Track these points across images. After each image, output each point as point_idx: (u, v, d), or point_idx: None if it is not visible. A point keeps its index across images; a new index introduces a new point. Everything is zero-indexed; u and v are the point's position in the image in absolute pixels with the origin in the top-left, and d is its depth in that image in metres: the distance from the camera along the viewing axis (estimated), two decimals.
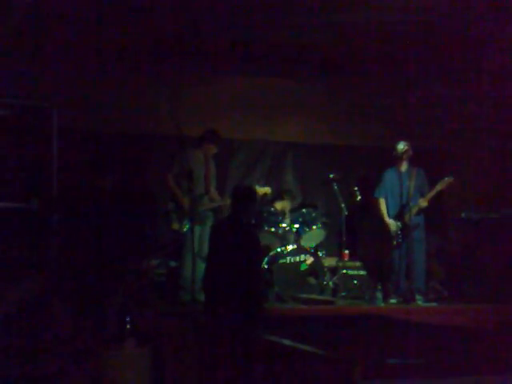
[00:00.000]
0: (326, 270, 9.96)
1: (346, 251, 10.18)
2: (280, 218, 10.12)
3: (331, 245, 10.88)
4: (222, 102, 11.17)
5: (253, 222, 9.26)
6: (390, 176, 9.85)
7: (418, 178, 9.66)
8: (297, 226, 10.15)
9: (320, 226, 10.22)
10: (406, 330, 6.21)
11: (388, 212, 9.81)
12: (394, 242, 9.65)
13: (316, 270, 9.76)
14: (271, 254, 9.66)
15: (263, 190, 9.45)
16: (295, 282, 9.60)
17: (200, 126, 9.78)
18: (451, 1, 8.71)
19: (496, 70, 10.44)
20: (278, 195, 10.52)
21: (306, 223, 10.19)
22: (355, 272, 10.08)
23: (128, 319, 6.53)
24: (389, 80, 11.31)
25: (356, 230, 11.00)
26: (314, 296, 9.46)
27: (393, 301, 9.52)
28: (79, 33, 9.34)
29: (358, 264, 10.31)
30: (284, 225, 10.08)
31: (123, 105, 10.54)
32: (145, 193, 10.45)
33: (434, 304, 9.45)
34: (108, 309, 7.27)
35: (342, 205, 10.07)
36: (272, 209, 10.12)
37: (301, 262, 9.68)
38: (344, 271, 9.99)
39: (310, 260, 9.73)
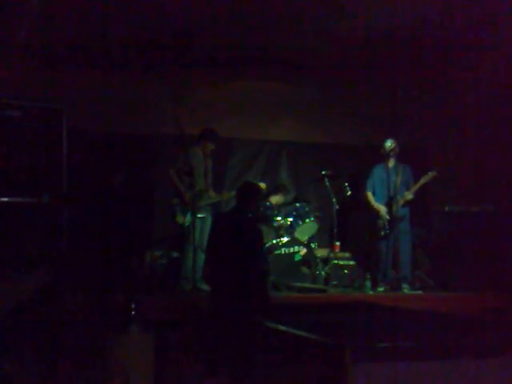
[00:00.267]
0: (318, 260, 9.97)
1: (337, 243, 10.18)
2: (275, 211, 10.11)
3: (323, 237, 10.87)
4: (222, 103, 11.18)
5: (256, 216, 9.21)
6: (378, 171, 9.85)
7: (404, 173, 9.66)
8: (291, 219, 10.13)
9: (313, 219, 10.21)
10: (394, 316, 6.19)
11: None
12: (382, 233, 9.64)
13: (309, 260, 9.76)
14: (267, 245, 9.64)
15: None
16: (289, 271, 9.59)
17: (200, 126, 9.75)
18: (436, 7, 8.68)
19: (479, 71, 10.43)
20: (272, 190, 10.50)
21: (300, 217, 10.18)
22: (345, 262, 10.09)
23: (133, 306, 6.49)
24: (378, 82, 11.30)
25: (346, 223, 10.97)
26: (307, 285, 9.46)
27: (381, 289, 9.51)
28: (88, 35, 9.30)
29: (348, 255, 10.32)
30: (279, 218, 10.06)
31: (129, 106, 10.51)
32: (150, 189, 10.42)
33: (419, 292, 9.44)
34: (115, 297, 7.25)
35: (334, 199, 10.07)
36: (267, 203, 10.10)
37: (295, 253, 9.67)
38: (335, 261, 10.00)
39: (303, 251, 9.73)
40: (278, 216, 10.08)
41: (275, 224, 10.02)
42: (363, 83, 11.34)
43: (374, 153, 9.94)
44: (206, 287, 8.73)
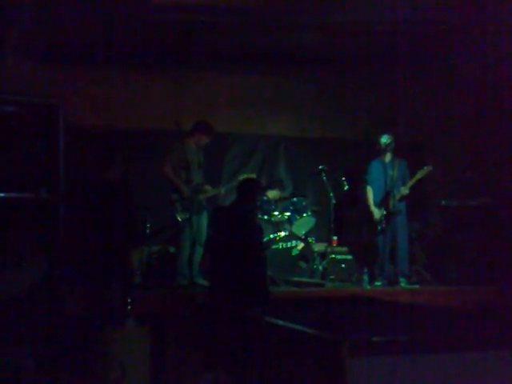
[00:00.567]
0: (315, 254, 9.98)
1: (335, 237, 10.20)
2: (273, 206, 10.10)
3: (320, 231, 10.86)
4: (219, 98, 11.17)
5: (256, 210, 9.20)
6: (375, 166, 9.85)
7: (401, 168, 9.66)
8: (288, 213, 10.13)
9: (310, 213, 10.20)
10: (391, 310, 6.19)
11: (373, 199, 9.79)
12: (379, 228, 9.64)
13: (306, 254, 9.77)
14: (265, 240, 9.63)
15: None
16: (287, 266, 9.60)
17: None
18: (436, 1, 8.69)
19: (475, 64, 10.43)
20: (270, 185, 10.49)
21: (297, 211, 10.17)
22: (343, 257, 10.07)
23: (129, 301, 6.50)
24: (375, 77, 11.28)
25: (343, 218, 10.97)
26: (304, 279, 9.47)
27: (378, 283, 9.52)
28: (85, 31, 9.27)
29: (345, 249, 10.31)
30: (276, 213, 10.05)
31: (127, 101, 10.51)
32: (147, 184, 10.40)
33: (416, 286, 9.44)
34: (111, 291, 7.25)
35: (331, 194, 10.10)
36: (265, 198, 10.09)
37: (292, 248, 9.67)
38: (332, 256, 9.99)
39: (300, 246, 9.73)
40: (275, 211, 10.08)
41: (272, 219, 10.02)
42: (361, 78, 11.34)
43: (372, 147, 9.93)
44: (203, 282, 8.73)
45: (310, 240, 10.14)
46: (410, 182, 9.60)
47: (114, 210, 8.28)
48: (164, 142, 10.07)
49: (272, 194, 10.28)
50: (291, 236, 9.77)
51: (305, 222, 10.24)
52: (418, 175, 9.59)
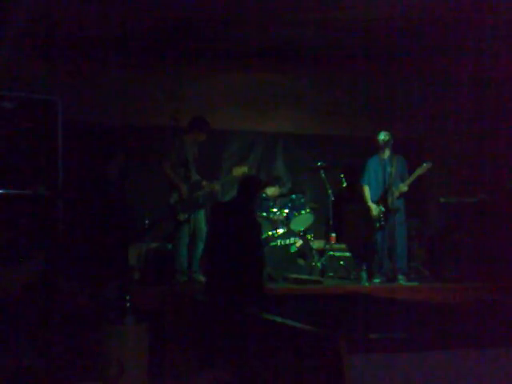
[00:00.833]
0: (314, 252, 9.98)
1: (333, 234, 10.23)
2: (271, 203, 10.11)
3: (319, 228, 10.86)
4: (217, 95, 11.16)
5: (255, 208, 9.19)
6: (373, 163, 9.83)
7: (399, 164, 9.64)
8: (287, 210, 10.14)
9: (308, 210, 10.20)
10: (389, 307, 6.20)
11: (371, 196, 9.78)
12: (377, 225, 9.64)
13: (305, 251, 9.77)
14: (263, 237, 9.63)
15: (241, 169, 9.32)
16: (285, 263, 9.59)
17: None
18: None
19: (473, 61, 10.42)
20: (268, 182, 10.49)
21: (296, 208, 10.18)
22: (341, 254, 10.09)
23: (128, 298, 6.50)
24: (374, 73, 11.28)
25: (342, 215, 10.98)
26: (303, 276, 9.45)
27: (376, 280, 9.51)
28: (83, 27, 9.27)
29: (343, 246, 10.32)
30: (275, 210, 10.06)
31: (124, 97, 10.49)
32: (145, 181, 10.40)
33: (415, 283, 9.43)
34: (110, 288, 7.25)
35: (329, 191, 10.12)
36: (263, 194, 10.09)
37: (291, 245, 9.67)
38: (331, 253, 10.01)
39: (299, 243, 9.73)
40: (273, 207, 10.09)
41: (271, 216, 10.02)
42: (359, 74, 11.33)
43: (370, 144, 9.92)
44: (202, 278, 8.72)
45: (308, 237, 10.14)
46: (410, 179, 9.59)
47: (112, 207, 8.29)
48: (162, 139, 10.07)
49: (271, 190, 10.28)
50: (290, 233, 9.77)
51: (303, 219, 10.24)
52: (418, 172, 9.58)
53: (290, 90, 11.52)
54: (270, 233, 9.72)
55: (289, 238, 9.70)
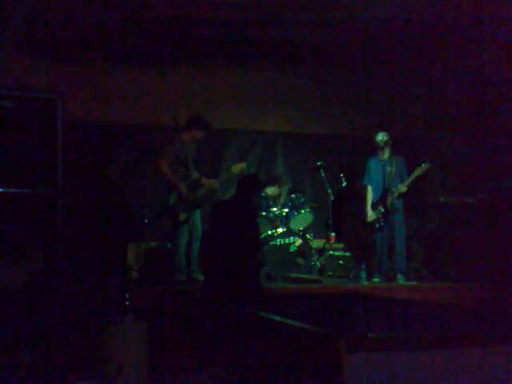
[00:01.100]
0: (313, 251, 9.99)
1: (333, 234, 10.24)
2: (271, 202, 10.11)
3: (318, 228, 10.87)
4: (217, 94, 11.16)
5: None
6: (372, 163, 9.85)
7: (398, 165, 9.65)
8: (286, 210, 10.15)
9: (308, 210, 10.22)
10: (388, 306, 6.20)
11: (372, 196, 9.80)
12: (376, 225, 9.66)
13: (304, 251, 9.78)
14: (262, 236, 9.65)
15: (239, 166, 9.32)
16: (285, 262, 9.61)
17: None
18: None
19: (472, 60, 10.43)
20: (268, 181, 10.50)
21: (295, 207, 10.20)
22: (341, 253, 10.11)
23: (127, 296, 6.51)
24: (373, 73, 11.28)
25: (341, 214, 10.99)
26: (302, 275, 9.46)
27: (376, 280, 9.53)
28: (82, 26, 9.26)
29: (343, 246, 10.34)
30: (274, 209, 10.07)
31: (124, 96, 10.50)
32: (145, 179, 10.40)
33: (414, 283, 9.45)
34: (109, 287, 7.26)
35: (329, 190, 10.14)
36: (263, 194, 10.10)
37: (290, 244, 9.69)
38: (330, 252, 10.03)
39: (298, 242, 9.74)
40: (273, 207, 10.10)
41: (271, 215, 10.03)
42: (359, 74, 11.32)
43: (370, 143, 9.93)
44: (201, 277, 8.73)
45: (307, 236, 10.16)
46: (409, 180, 9.60)
47: (112, 206, 8.29)
48: (161, 137, 10.07)
49: (270, 190, 10.29)
50: (289, 232, 9.78)
51: (303, 219, 10.26)
52: (417, 172, 9.59)
53: (290, 89, 11.51)
54: (270, 232, 9.73)
55: (288, 238, 9.71)
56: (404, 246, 9.71)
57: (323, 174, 10.21)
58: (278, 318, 4.90)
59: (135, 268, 9.01)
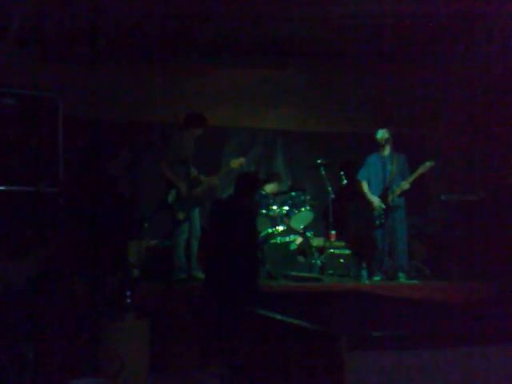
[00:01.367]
0: (314, 249, 9.97)
1: (333, 232, 10.25)
2: (271, 200, 10.11)
3: (319, 226, 10.88)
4: (216, 92, 11.16)
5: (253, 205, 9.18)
6: (373, 160, 9.86)
7: (400, 162, 9.65)
8: (286, 208, 10.15)
9: (308, 208, 10.21)
10: (389, 305, 6.20)
11: (372, 193, 9.79)
12: (377, 223, 9.65)
13: (305, 249, 9.76)
14: (263, 234, 9.65)
15: (238, 161, 9.31)
16: (285, 260, 9.60)
17: None
18: None
19: (473, 57, 10.44)
20: (268, 178, 10.51)
21: (295, 205, 10.19)
22: (341, 251, 10.11)
23: (128, 294, 6.52)
24: (373, 70, 11.28)
25: (342, 212, 10.98)
26: (302, 274, 9.47)
27: (377, 278, 9.53)
28: (82, 23, 9.27)
29: (343, 244, 10.34)
30: (274, 207, 10.07)
31: (125, 94, 10.51)
32: (144, 177, 10.41)
33: (415, 281, 9.45)
34: (110, 284, 7.27)
35: (329, 188, 10.15)
36: (263, 192, 10.11)
37: (290, 242, 9.68)
38: (331, 250, 10.04)
39: (298, 240, 9.73)
40: (273, 205, 10.09)
41: (271, 213, 10.03)
42: (359, 71, 11.33)
43: (371, 141, 9.93)
44: (201, 275, 8.73)
45: (308, 234, 10.14)
46: (412, 177, 9.61)
47: (113, 204, 8.30)
48: (163, 136, 10.08)
49: (270, 187, 10.30)
50: (289, 230, 9.78)
51: (303, 217, 10.25)
52: (420, 170, 9.60)
53: (290, 87, 11.51)
54: (270, 230, 9.73)
55: (288, 236, 9.70)
56: (405, 244, 9.72)
57: (323, 172, 10.22)
58: (279, 317, 4.90)
59: (136, 266, 9.02)
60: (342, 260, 9.96)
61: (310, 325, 4.46)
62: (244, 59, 10.99)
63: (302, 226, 10.25)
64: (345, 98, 11.62)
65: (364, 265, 9.51)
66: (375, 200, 9.68)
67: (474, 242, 9.71)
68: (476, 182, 10.64)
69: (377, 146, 9.79)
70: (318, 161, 10.29)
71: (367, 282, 9.31)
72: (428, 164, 9.57)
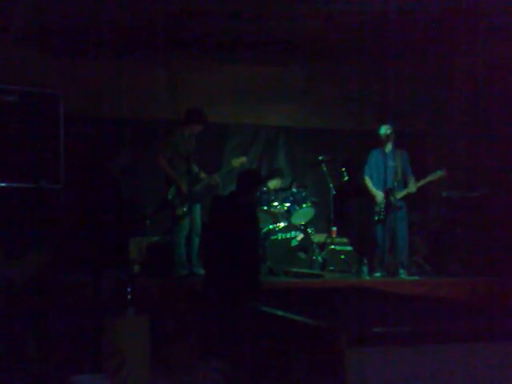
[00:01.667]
0: (315, 245, 9.99)
1: (334, 228, 10.26)
2: (272, 196, 10.11)
3: (320, 222, 10.87)
4: (218, 88, 11.14)
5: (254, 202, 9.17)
6: (375, 156, 9.85)
7: (402, 159, 9.65)
8: (288, 204, 10.14)
9: (309, 204, 10.21)
10: (390, 301, 6.20)
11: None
12: (377, 218, 9.63)
13: (306, 245, 9.76)
14: (264, 231, 9.65)
15: (239, 160, 9.30)
16: (286, 257, 9.60)
17: None
18: None
19: (477, 54, 10.43)
20: (270, 174, 10.51)
21: (297, 202, 10.18)
22: (342, 248, 10.12)
23: (129, 290, 6.52)
24: (374, 66, 11.27)
25: (343, 209, 10.99)
26: (304, 270, 9.46)
27: (377, 274, 9.53)
28: (83, 21, 9.27)
29: (345, 240, 10.34)
30: (276, 203, 10.06)
31: (125, 91, 10.50)
32: (145, 174, 10.40)
33: (416, 277, 9.44)
34: (111, 280, 7.27)
35: (330, 185, 10.15)
36: (264, 188, 10.10)
37: (291, 239, 9.68)
38: (332, 247, 10.05)
39: (300, 236, 9.73)
40: (274, 201, 10.09)
41: (272, 209, 10.03)
42: (362, 68, 11.32)
43: (373, 138, 9.92)
44: (201, 271, 8.73)
45: (309, 231, 10.14)
46: (420, 183, 9.58)
47: (114, 201, 8.30)
48: (163, 132, 10.08)
49: (272, 183, 10.30)
50: (291, 227, 9.77)
51: (304, 213, 10.25)
52: (430, 178, 9.59)
53: (291, 84, 11.51)
54: (271, 226, 9.73)
55: (290, 232, 9.71)
56: (406, 240, 9.72)
57: (325, 169, 10.23)
58: (280, 313, 4.91)
59: (137, 262, 9.02)
60: (343, 256, 9.97)
61: (312, 321, 4.46)
62: (246, 56, 10.96)
63: (303, 223, 10.25)
64: (347, 94, 11.60)
65: (365, 261, 9.51)
66: (379, 194, 9.66)
67: (475, 239, 9.72)
68: (477, 178, 10.64)
69: (379, 142, 9.78)
70: (320, 157, 10.30)
71: (368, 278, 9.31)
72: (439, 173, 9.56)
